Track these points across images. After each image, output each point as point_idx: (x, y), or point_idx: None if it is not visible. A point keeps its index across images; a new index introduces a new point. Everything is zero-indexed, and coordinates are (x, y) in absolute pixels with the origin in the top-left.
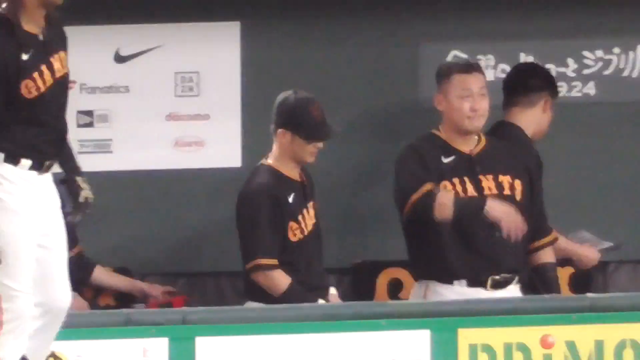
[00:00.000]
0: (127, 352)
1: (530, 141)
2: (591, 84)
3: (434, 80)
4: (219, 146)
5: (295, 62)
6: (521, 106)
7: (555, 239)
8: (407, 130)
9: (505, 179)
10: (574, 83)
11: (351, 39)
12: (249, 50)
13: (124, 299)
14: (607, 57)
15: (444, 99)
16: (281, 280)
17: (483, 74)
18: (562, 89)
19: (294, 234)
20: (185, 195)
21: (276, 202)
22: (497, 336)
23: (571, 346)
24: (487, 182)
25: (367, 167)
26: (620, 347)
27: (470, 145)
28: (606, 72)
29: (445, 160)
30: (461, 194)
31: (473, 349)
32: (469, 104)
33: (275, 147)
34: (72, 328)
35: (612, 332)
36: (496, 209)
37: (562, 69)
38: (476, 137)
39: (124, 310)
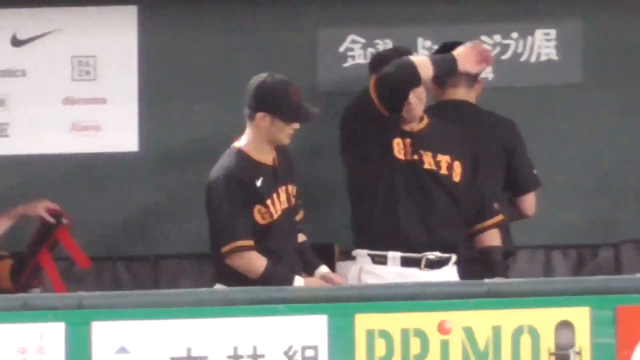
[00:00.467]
0: (23, 336)
1: (499, 120)
2: (489, 69)
3: (332, 64)
4: (116, 130)
5: (193, 47)
6: (464, 87)
7: (501, 221)
8: None
9: (443, 159)
10: None
11: (249, 24)
12: (146, 35)
13: (20, 282)
14: (506, 41)
15: None
16: (259, 261)
17: None
18: None
19: (263, 217)
20: (82, 179)
21: (242, 185)
22: (394, 322)
23: (468, 332)
24: (427, 158)
25: None
26: (517, 333)
27: (411, 125)
28: (504, 57)
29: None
30: (407, 155)
31: (370, 335)
32: (415, 94)
33: (248, 131)
34: None
35: (510, 318)
36: (466, 61)
37: None
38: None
39: (21, 295)
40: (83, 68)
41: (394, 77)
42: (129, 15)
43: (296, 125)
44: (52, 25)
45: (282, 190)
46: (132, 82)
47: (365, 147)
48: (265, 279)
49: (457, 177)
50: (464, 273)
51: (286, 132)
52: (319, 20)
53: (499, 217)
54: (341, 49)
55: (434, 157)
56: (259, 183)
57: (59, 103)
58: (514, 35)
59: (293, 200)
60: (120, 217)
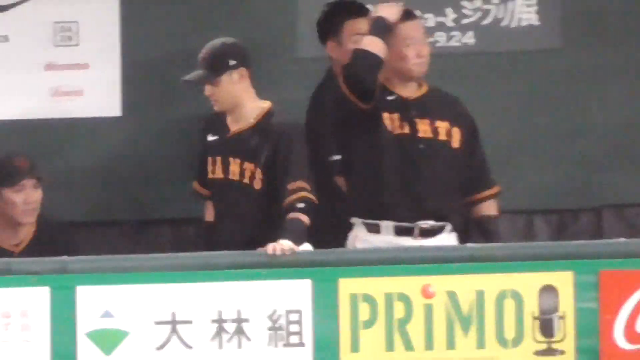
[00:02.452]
0: (7, 301)
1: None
2: (470, 34)
3: (315, 32)
4: (98, 96)
5: (173, 13)
6: None
7: (498, 192)
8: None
9: (442, 125)
10: (452, 33)
11: None
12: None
13: None
14: (486, 7)
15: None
16: (206, 212)
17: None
18: (442, 38)
19: (210, 170)
20: (64, 144)
21: (201, 133)
22: (377, 286)
23: (452, 296)
24: (423, 126)
25: None
26: (501, 297)
27: (409, 92)
28: (484, 22)
29: (388, 97)
30: (397, 130)
31: (354, 299)
32: (415, 50)
33: None
34: None
35: (493, 283)
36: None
37: (440, 19)
38: (416, 84)
39: (4, 260)
40: (65, 34)
41: (357, 74)
42: None
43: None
44: None
45: (233, 162)
46: (115, 48)
47: (353, 129)
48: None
49: (456, 143)
50: (465, 241)
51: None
52: None
53: (497, 188)
54: None
55: (432, 123)
56: (210, 138)
57: (40, 69)
58: (495, 0)
59: (249, 179)
60: (106, 181)
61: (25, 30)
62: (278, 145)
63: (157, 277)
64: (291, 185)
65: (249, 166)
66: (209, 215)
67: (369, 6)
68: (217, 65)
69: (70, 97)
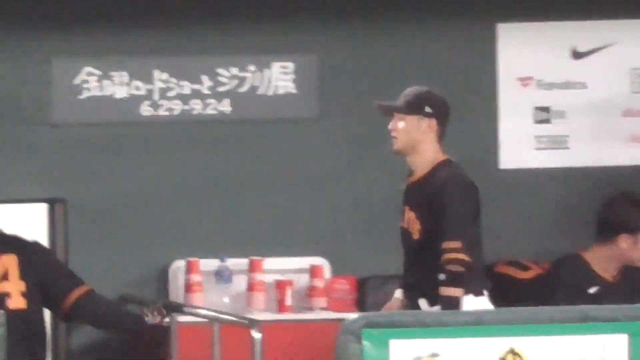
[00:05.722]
0: (585, 348)
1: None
2: (226, 101)
3: (68, 95)
4: None
5: None
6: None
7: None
8: (43, 147)
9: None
10: (208, 100)
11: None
12: None
13: None
14: (242, 74)
15: None
16: None
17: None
18: (198, 106)
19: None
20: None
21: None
22: None
23: None
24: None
25: None
26: None
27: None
28: (241, 90)
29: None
30: None
31: None
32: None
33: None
34: (532, 324)
35: None
36: None
37: (196, 86)
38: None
39: (582, 307)
40: None
41: None
42: None
43: None
44: (611, 37)
45: (407, 211)
46: None
47: None
48: None
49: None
50: None
51: None
52: (52, 52)
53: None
54: (76, 81)
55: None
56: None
57: (617, 115)
58: (251, 68)
59: (411, 227)
60: None
61: (602, 77)
62: (433, 198)
63: None
64: (446, 244)
65: (410, 215)
66: None
67: None
68: (413, 105)
69: None
